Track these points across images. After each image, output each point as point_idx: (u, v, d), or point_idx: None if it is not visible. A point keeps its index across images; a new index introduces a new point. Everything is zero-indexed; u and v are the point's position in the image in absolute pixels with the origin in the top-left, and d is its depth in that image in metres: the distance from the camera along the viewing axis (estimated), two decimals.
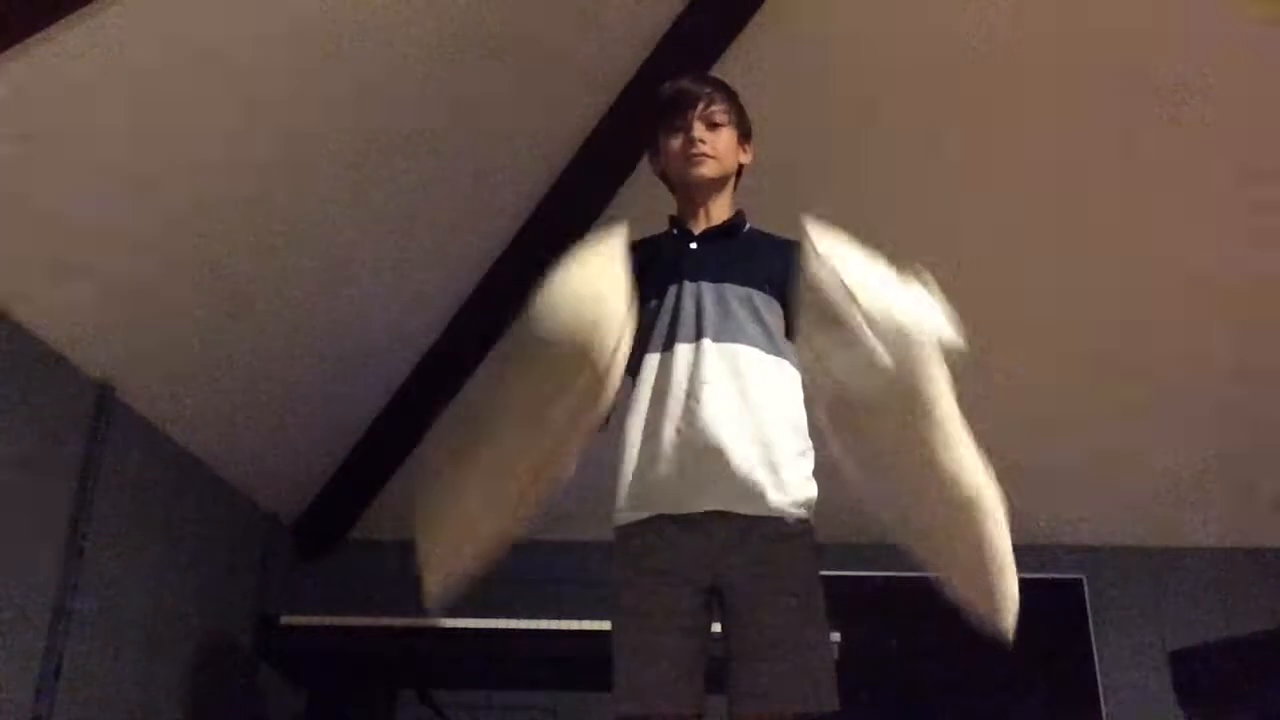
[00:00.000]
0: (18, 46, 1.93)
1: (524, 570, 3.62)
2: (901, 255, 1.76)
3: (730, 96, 2.00)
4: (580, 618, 2.82)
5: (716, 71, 2.79)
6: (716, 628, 1.80)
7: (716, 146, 1.94)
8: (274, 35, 2.33)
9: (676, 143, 1.95)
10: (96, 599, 2.59)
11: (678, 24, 3.00)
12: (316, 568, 3.77)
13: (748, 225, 2.01)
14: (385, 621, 2.87)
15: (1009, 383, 3.44)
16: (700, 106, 1.94)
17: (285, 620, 2.88)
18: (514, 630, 2.87)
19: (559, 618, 2.88)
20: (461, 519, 1.69)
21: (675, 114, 1.96)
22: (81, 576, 2.50)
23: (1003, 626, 1.60)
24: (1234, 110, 3.06)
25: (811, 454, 1.84)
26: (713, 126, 1.94)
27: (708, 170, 1.94)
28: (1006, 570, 1.62)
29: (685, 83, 1.99)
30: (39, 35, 1.94)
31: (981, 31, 3.00)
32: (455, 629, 2.86)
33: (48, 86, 2.04)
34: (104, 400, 2.62)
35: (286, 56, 2.40)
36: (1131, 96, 3.06)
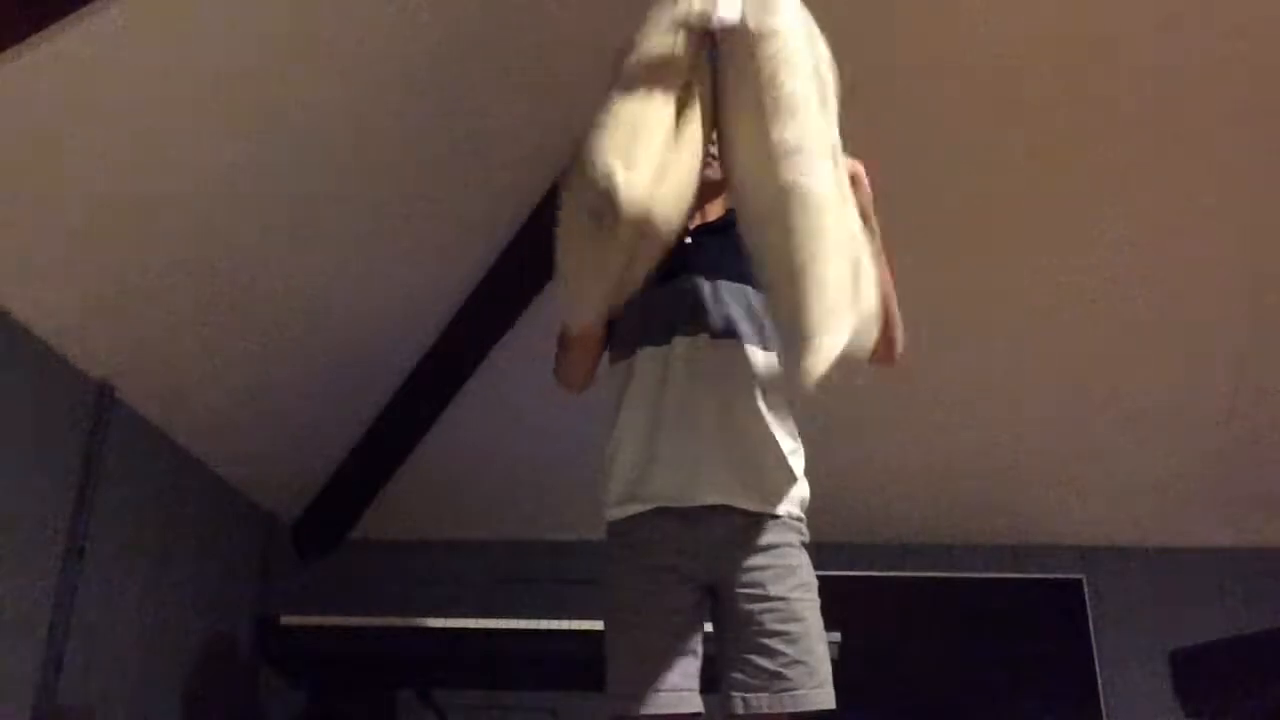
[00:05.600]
0: (18, 46, 1.93)
1: (524, 570, 3.66)
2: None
3: None
4: (580, 618, 2.82)
5: None
6: (709, 627, 1.79)
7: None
8: (274, 36, 2.33)
9: None
10: (96, 599, 2.59)
11: None
12: (316, 568, 3.77)
13: None
14: (385, 621, 2.86)
15: (1009, 383, 3.45)
16: None
17: (285, 620, 2.87)
18: (514, 630, 2.87)
19: (559, 618, 2.88)
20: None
21: None
22: (81, 576, 2.51)
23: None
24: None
25: (802, 452, 1.85)
26: None
27: (709, 173, 1.85)
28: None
29: None
30: (39, 35, 1.94)
31: (983, 32, 3.00)
32: (455, 629, 2.86)
33: (48, 86, 2.04)
34: (104, 400, 2.62)
35: (287, 57, 2.39)
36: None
